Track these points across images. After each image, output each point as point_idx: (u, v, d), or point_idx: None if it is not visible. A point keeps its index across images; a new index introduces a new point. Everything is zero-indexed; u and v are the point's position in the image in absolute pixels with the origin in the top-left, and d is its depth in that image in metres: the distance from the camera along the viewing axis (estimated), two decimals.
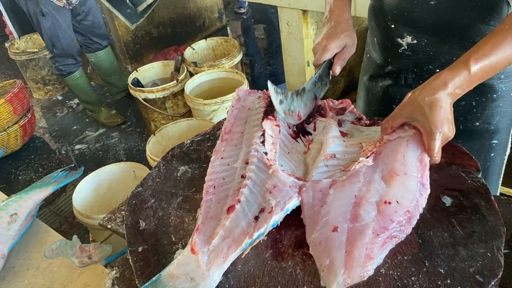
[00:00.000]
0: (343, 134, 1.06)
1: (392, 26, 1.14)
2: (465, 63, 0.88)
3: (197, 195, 1.01)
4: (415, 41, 1.12)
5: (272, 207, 0.85)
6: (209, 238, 0.83)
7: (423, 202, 0.86)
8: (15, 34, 4.19)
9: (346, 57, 1.15)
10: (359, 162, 0.91)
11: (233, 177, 0.96)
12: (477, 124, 1.16)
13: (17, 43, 4.08)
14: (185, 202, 1.00)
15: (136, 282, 0.84)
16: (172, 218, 0.96)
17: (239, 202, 0.87)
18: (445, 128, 0.86)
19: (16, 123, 3.19)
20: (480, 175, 0.94)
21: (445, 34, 1.07)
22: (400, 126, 0.94)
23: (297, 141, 1.09)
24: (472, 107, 1.13)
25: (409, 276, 0.76)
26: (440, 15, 1.05)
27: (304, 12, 2.66)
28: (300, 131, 1.11)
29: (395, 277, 0.76)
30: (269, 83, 1.02)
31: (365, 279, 0.75)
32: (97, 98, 3.62)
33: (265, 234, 0.84)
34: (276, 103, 1.04)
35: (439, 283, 0.74)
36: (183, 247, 0.89)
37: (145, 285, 0.78)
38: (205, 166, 1.09)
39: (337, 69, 1.14)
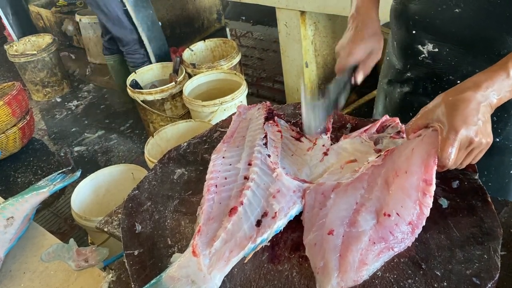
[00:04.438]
0: (377, 151, 0.99)
1: (413, 32, 1.09)
2: (503, 65, 0.80)
3: (193, 198, 1.01)
4: (436, 50, 1.07)
5: (275, 212, 0.85)
6: (210, 241, 0.83)
7: (428, 202, 0.80)
8: (14, 37, 4.19)
9: (371, 65, 1.07)
10: (368, 162, 0.90)
11: (235, 177, 0.96)
12: (498, 140, 1.09)
13: (15, 45, 4.08)
14: (182, 205, 1.00)
15: (132, 285, 0.83)
16: (168, 221, 0.96)
17: (242, 204, 0.87)
18: (467, 132, 0.77)
19: (14, 125, 3.19)
20: (477, 176, 0.93)
21: (468, 44, 1.02)
22: (423, 128, 0.86)
23: (300, 140, 1.08)
24: (493, 122, 1.05)
25: (405, 279, 0.75)
26: (464, 24, 0.99)
27: (302, 13, 2.66)
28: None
29: (392, 280, 0.76)
30: (302, 93, 0.96)
31: (359, 283, 0.75)
32: None
33: (268, 240, 0.84)
34: (305, 114, 0.98)
35: (435, 285, 0.74)
36: (179, 250, 0.89)
37: (146, 286, 0.78)
38: (201, 169, 1.09)
39: (359, 77, 1.05)
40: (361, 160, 0.96)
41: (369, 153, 0.98)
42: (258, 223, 0.85)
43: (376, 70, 1.15)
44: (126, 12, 3.18)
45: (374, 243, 0.78)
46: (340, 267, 0.76)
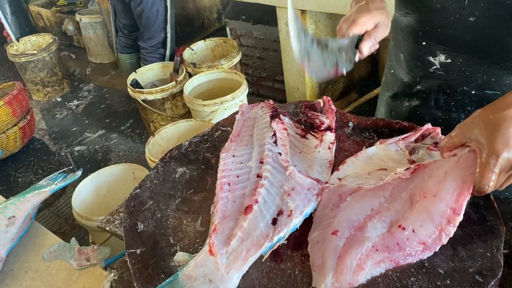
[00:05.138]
0: (411, 162, 0.94)
1: (423, 43, 1.05)
2: None
3: (195, 197, 1.01)
4: (449, 60, 1.02)
5: (291, 211, 0.85)
6: (227, 239, 0.82)
7: (450, 231, 0.75)
8: (12, 37, 4.19)
9: (378, 37, 0.97)
10: (396, 173, 0.86)
11: (248, 175, 0.96)
12: None
13: (16, 45, 4.08)
14: (184, 203, 0.99)
15: (134, 284, 0.83)
16: (170, 220, 0.96)
17: (257, 202, 0.87)
18: (510, 155, 0.70)
19: (15, 125, 3.19)
20: None
21: (483, 54, 0.98)
22: (459, 146, 0.79)
23: (306, 137, 1.08)
24: None
25: (408, 277, 0.75)
26: (479, 33, 0.95)
27: (303, 12, 2.66)
28: (309, 127, 1.11)
29: (394, 278, 0.75)
30: (289, 5, 0.84)
31: (355, 286, 0.74)
32: None
33: (285, 238, 0.84)
34: (293, 34, 0.86)
35: (438, 283, 0.73)
36: (182, 249, 0.88)
37: (162, 284, 0.78)
38: (203, 168, 1.09)
39: (365, 47, 0.94)
40: (391, 170, 0.92)
41: (401, 163, 0.94)
42: (274, 222, 0.84)
43: (377, 69, 1.11)
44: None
45: (377, 250, 0.77)
46: (337, 268, 0.75)
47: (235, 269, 0.78)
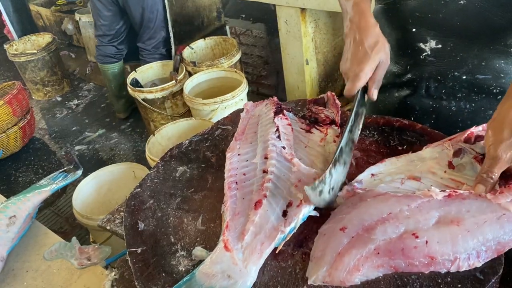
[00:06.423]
0: (450, 166, 0.89)
1: (413, 30, 1.04)
2: None
3: (195, 196, 1.01)
4: (439, 46, 1.02)
5: (301, 200, 0.86)
6: (240, 235, 0.83)
7: (463, 266, 0.72)
8: (14, 35, 4.19)
9: (381, 77, 0.97)
10: (428, 190, 0.82)
11: (254, 172, 0.97)
12: None
13: (15, 45, 4.08)
14: (184, 202, 1.00)
15: (135, 283, 0.83)
16: (171, 218, 0.96)
17: (265, 197, 0.88)
18: None
19: (15, 124, 3.19)
20: None
21: (474, 37, 0.98)
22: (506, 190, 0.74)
23: (311, 132, 1.09)
24: None
25: (409, 274, 0.75)
26: (469, 16, 0.96)
27: (303, 10, 2.66)
28: (314, 122, 1.12)
29: (395, 276, 0.75)
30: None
31: (346, 285, 0.74)
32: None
33: (296, 228, 0.84)
34: (316, 200, 0.85)
35: (439, 281, 0.73)
36: (182, 247, 0.89)
37: (178, 284, 0.78)
38: (203, 166, 1.09)
39: (374, 94, 0.95)
40: (424, 179, 0.88)
41: (440, 164, 0.89)
42: (284, 214, 0.85)
43: None
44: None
45: (378, 253, 0.75)
46: (333, 263, 0.76)
47: (253, 262, 0.79)
